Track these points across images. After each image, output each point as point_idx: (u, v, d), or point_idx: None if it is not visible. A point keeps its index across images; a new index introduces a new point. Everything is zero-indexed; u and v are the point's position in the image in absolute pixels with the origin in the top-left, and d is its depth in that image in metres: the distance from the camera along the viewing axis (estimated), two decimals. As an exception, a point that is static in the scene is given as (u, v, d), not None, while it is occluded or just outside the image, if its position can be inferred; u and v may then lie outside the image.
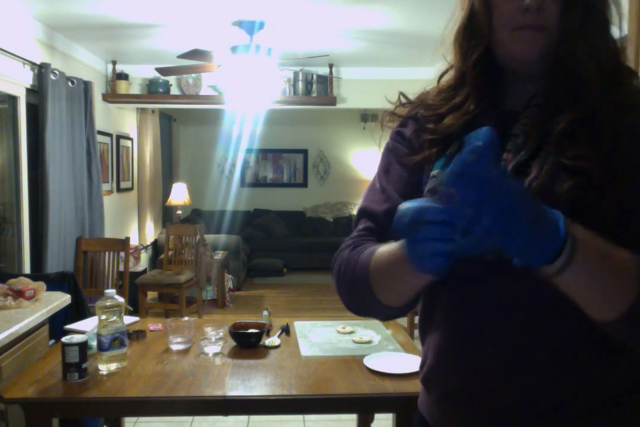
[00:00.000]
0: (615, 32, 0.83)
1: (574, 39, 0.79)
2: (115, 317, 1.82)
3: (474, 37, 0.84)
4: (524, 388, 0.82)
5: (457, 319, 0.87)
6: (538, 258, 0.64)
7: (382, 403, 1.72)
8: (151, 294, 5.24)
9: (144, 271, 5.29)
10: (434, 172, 0.82)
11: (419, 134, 0.90)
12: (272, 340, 2.11)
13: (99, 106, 4.84)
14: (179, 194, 6.32)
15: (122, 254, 4.21)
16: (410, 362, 1.84)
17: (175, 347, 2.03)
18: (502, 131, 0.82)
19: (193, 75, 5.07)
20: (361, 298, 0.87)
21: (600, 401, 0.81)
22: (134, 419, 3.00)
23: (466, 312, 0.85)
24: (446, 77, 0.92)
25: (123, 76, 5.05)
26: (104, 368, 1.80)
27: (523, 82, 0.86)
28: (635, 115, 0.79)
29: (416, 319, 3.93)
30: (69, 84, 3.98)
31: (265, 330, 2.14)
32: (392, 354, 1.95)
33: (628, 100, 0.80)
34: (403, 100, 0.96)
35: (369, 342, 2.12)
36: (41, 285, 2.47)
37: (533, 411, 0.82)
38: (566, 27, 0.79)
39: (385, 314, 0.92)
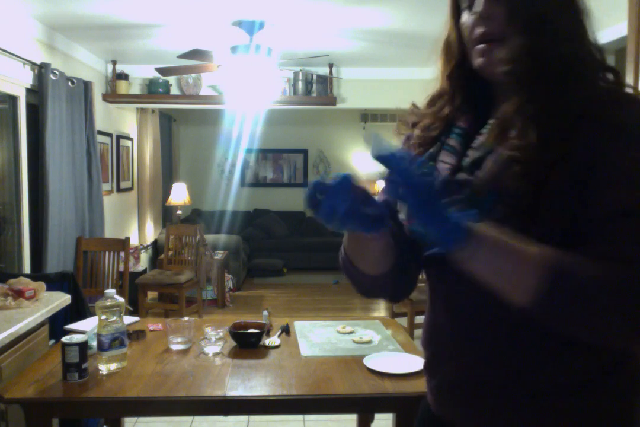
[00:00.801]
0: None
1: (519, 41, 0.85)
2: (115, 317, 1.82)
3: (449, 51, 0.96)
4: (478, 371, 0.91)
5: (434, 312, 1.00)
6: (447, 246, 0.77)
7: (382, 403, 1.73)
8: (151, 294, 5.23)
9: (144, 271, 5.29)
10: None
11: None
12: (272, 340, 2.11)
13: (99, 106, 4.84)
14: (179, 194, 6.32)
15: (122, 254, 4.21)
16: (410, 362, 1.84)
17: (175, 347, 2.03)
18: (476, 132, 0.94)
19: (193, 75, 5.07)
20: (350, 273, 1.01)
21: (556, 385, 0.86)
22: (134, 419, 3.01)
23: (437, 307, 0.99)
24: (436, 87, 1.02)
25: (123, 76, 5.06)
26: (104, 368, 1.80)
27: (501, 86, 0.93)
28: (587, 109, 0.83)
29: (416, 319, 3.93)
30: (69, 84, 3.98)
31: (265, 330, 2.14)
32: (392, 354, 1.95)
33: (580, 93, 0.84)
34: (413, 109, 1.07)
35: (369, 342, 2.12)
36: (41, 285, 2.47)
37: (483, 388, 0.91)
38: (511, 31, 0.86)
39: (374, 286, 1.03)
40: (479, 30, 0.88)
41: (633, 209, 0.77)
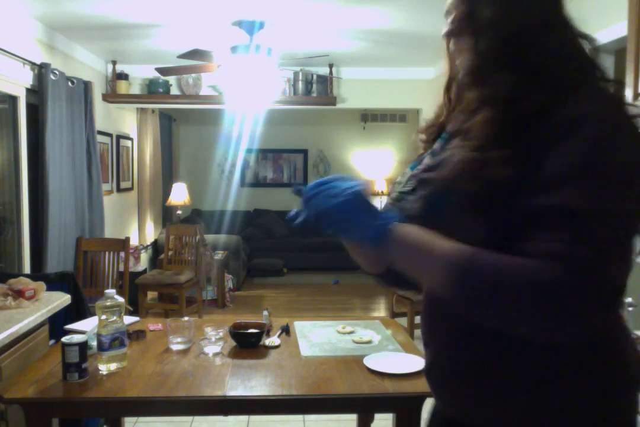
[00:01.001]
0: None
1: (469, 54, 0.94)
2: (115, 317, 1.82)
3: (446, 66, 1.05)
4: (445, 359, 0.99)
5: (423, 303, 1.09)
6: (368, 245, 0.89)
7: (382, 403, 1.73)
8: (151, 294, 5.24)
9: (144, 271, 5.29)
10: (406, 170, 1.07)
11: None
12: (272, 340, 2.11)
13: (99, 106, 4.84)
14: (179, 194, 6.32)
15: (122, 254, 4.21)
16: (410, 362, 1.84)
17: (175, 347, 2.03)
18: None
19: (193, 75, 5.07)
20: (361, 269, 1.11)
21: (514, 381, 0.89)
22: (134, 419, 3.01)
23: (424, 298, 1.08)
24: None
25: (123, 76, 5.06)
26: (104, 368, 1.80)
27: None
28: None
29: (416, 319, 3.93)
30: (69, 84, 3.98)
31: (265, 330, 2.14)
32: (392, 354, 1.95)
33: (539, 92, 0.87)
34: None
35: (369, 342, 2.12)
36: (41, 285, 2.47)
37: (442, 371, 0.99)
38: (471, 44, 0.94)
39: (381, 281, 1.13)
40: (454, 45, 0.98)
41: (568, 207, 0.78)
